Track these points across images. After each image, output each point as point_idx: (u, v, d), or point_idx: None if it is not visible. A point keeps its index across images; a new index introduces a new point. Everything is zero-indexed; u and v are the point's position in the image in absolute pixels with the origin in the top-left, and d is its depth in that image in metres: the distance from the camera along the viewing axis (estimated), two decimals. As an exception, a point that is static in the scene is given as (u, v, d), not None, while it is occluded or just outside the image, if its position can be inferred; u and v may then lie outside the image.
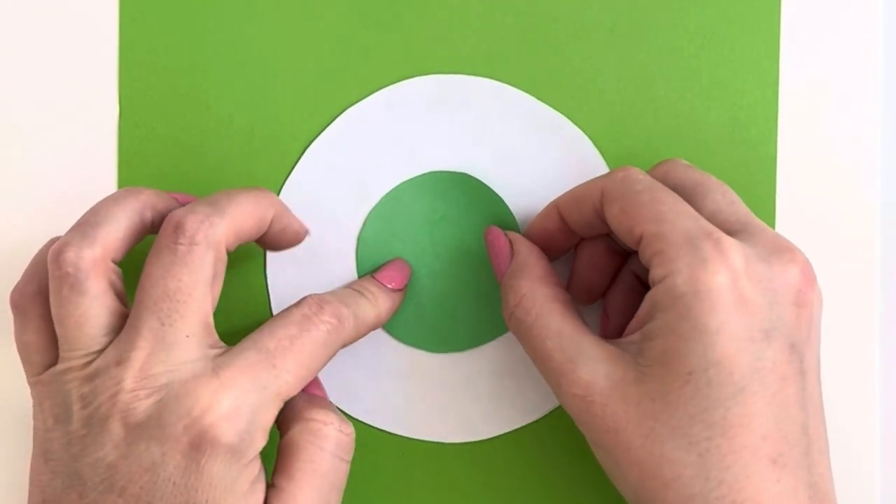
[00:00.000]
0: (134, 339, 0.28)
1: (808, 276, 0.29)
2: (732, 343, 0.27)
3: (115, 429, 0.27)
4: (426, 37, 0.35)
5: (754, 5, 0.35)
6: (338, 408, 0.35)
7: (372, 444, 0.35)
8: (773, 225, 0.35)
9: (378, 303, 0.33)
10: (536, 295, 0.31)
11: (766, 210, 0.35)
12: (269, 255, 0.35)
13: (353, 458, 0.35)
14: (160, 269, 0.28)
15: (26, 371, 0.30)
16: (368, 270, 0.35)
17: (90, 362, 0.28)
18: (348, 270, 0.35)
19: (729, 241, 0.28)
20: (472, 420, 0.35)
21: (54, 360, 0.29)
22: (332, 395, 0.35)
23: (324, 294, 0.31)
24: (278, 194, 0.35)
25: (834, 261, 0.35)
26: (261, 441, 0.28)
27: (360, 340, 0.33)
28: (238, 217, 0.30)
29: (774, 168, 0.35)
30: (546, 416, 0.35)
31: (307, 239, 0.34)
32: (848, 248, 0.36)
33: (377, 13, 0.35)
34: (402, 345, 0.35)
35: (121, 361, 0.28)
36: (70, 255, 0.29)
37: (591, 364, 0.29)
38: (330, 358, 0.30)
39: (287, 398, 0.29)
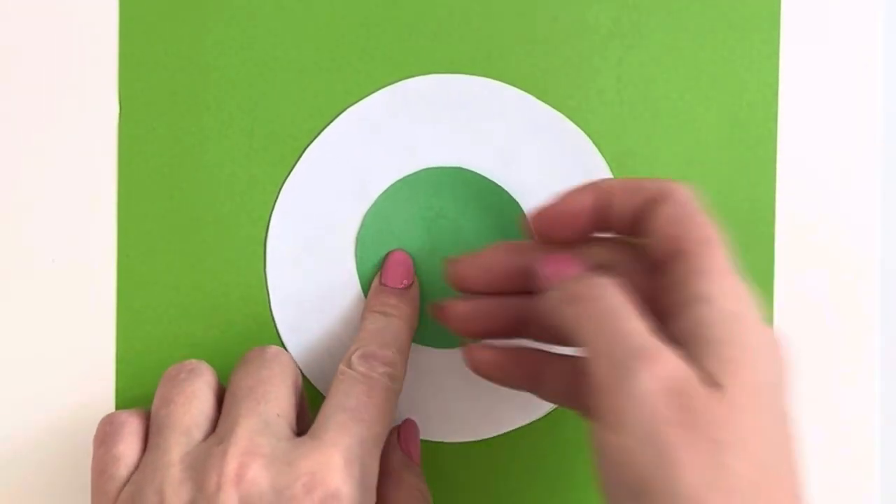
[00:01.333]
0: (235, 417, 0.29)
1: None
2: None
3: (234, 498, 0.27)
4: (426, 37, 0.35)
5: (754, 5, 0.35)
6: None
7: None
8: (772, 225, 0.35)
9: (404, 312, 0.33)
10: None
11: (765, 210, 0.35)
12: (269, 255, 0.35)
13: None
14: (253, 366, 0.31)
15: (105, 490, 0.30)
16: (368, 270, 0.35)
17: (198, 444, 0.29)
18: (348, 270, 0.35)
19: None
20: (472, 420, 0.35)
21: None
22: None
23: (362, 340, 0.32)
24: (278, 194, 0.35)
25: (834, 261, 0.35)
26: (373, 492, 0.29)
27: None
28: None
29: (774, 168, 0.35)
30: (546, 416, 0.35)
31: (307, 239, 0.34)
32: (848, 247, 0.36)
33: (377, 13, 0.35)
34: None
35: (226, 437, 0.29)
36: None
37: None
38: (399, 396, 0.32)
39: (381, 446, 0.30)
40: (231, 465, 0.28)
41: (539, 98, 0.35)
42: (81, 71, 0.35)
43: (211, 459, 0.28)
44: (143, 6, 0.35)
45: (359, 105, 0.35)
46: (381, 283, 0.35)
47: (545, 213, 0.31)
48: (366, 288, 0.35)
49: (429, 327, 0.35)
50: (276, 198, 0.35)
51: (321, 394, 0.35)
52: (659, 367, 0.25)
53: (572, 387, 0.30)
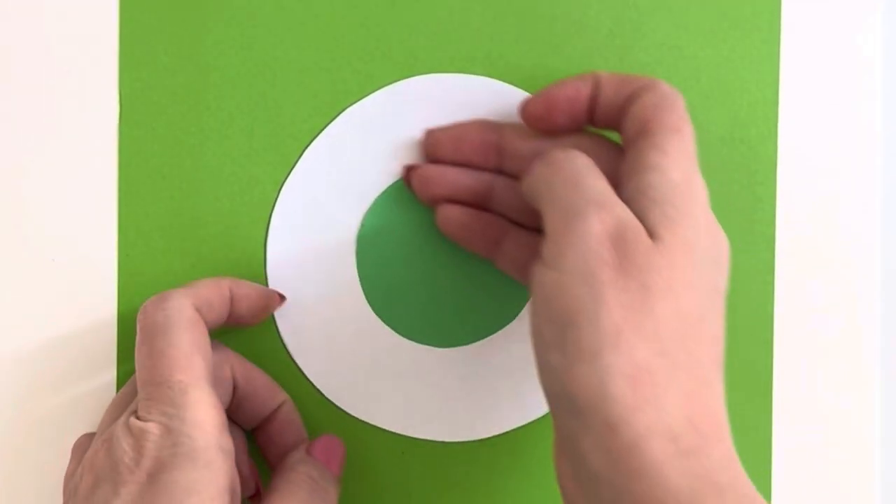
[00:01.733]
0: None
1: None
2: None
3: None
4: (426, 37, 0.35)
5: (754, 5, 0.35)
6: (338, 407, 0.35)
7: (372, 443, 0.35)
8: (773, 224, 0.36)
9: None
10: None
11: (766, 210, 0.35)
12: (269, 255, 0.35)
13: (354, 457, 0.35)
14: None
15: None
16: (368, 270, 0.35)
17: None
18: (348, 270, 0.35)
19: None
20: (472, 420, 0.35)
21: None
22: (332, 394, 0.35)
23: None
24: (278, 194, 0.35)
25: (834, 261, 0.35)
26: None
27: (360, 338, 0.34)
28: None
29: (774, 168, 0.35)
30: (546, 415, 0.35)
31: (307, 239, 0.35)
32: (848, 248, 0.36)
33: (377, 13, 0.35)
34: (402, 339, 0.35)
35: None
36: None
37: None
38: None
39: None
40: (88, 458, 0.30)
41: (539, 98, 0.35)
42: (81, 71, 0.35)
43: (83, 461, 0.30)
44: (143, 6, 0.35)
45: (359, 105, 0.35)
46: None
47: (541, 98, 0.32)
48: (366, 288, 0.35)
49: (429, 327, 0.35)
50: (276, 198, 0.35)
51: (321, 394, 0.35)
52: (606, 213, 0.26)
53: (529, 260, 0.31)
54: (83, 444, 0.33)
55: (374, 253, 0.35)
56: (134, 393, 0.32)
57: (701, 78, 0.35)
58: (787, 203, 0.35)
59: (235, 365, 0.33)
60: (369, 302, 0.35)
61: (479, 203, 0.34)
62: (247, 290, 0.33)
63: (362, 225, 0.35)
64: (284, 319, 0.35)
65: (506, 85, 0.35)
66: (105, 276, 0.35)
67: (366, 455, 0.35)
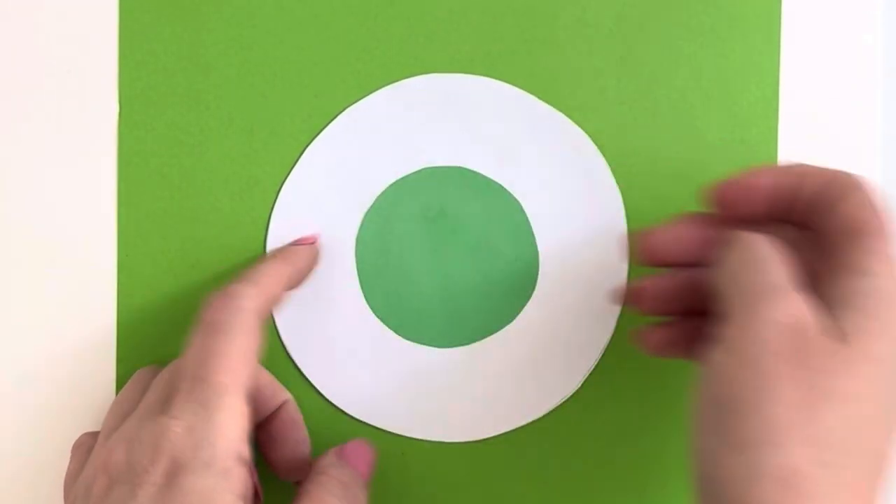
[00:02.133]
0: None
1: None
2: None
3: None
4: (426, 36, 0.35)
5: (754, 5, 0.35)
6: (338, 407, 0.35)
7: (372, 443, 0.35)
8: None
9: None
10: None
11: (766, 210, 0.35)
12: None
13: (353, 458, 0.35)
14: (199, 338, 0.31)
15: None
16: (368, 270, 0.35)
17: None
18: (348, 270, 0.35)
19: None
20: (472, 420, 0.35)
21: None
22: (332, 394, 0.35)
23: None
24: (278, 194, 0.35)
25: (834, 261, 0.35)
26: None
27: (360, 338, 0.34)
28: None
29: (774, 168, 0.35)
30: (546, 415, 0.35)
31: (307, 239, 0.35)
32: (848, 248, 0.35)
33: (377, 13, 0.35)
34: (402, 339, 0.35)
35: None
36: None
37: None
38: None
39: None
40: (103, 457, 0.29)
41: (539, 98, 0.35)
42: (81, 71, 0.35)
43: (95, 456, 0.30)
44: (143, 6, 0.35)
45: (359, 105, 0.35)
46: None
47: (727, 185, 0.31)
48: (365, 288, 0.35)
49: (429, 327, 0.35)
50: (276, 198, 0.35)
51: (320, 392, 0.35)
52: (786, 305, 0.26)
53: (700, 340, 0.30)
54: (84, 444, 0.33)
55: (374, 253, 0.35)
56: (138, 393, 0.32)
57: (701, 78, 0.35)
58: (787, 203, 0.35)
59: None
60: (369, 302, 0.35)
61: (697, 306, 0.32)
62: (301, 264, 0.34)
63: (362, 225, 0.35)
64: (284, 319, 0.35)
65: (506, 85, 0.35)
66: (105, 276, 0.35)
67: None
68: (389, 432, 0.35)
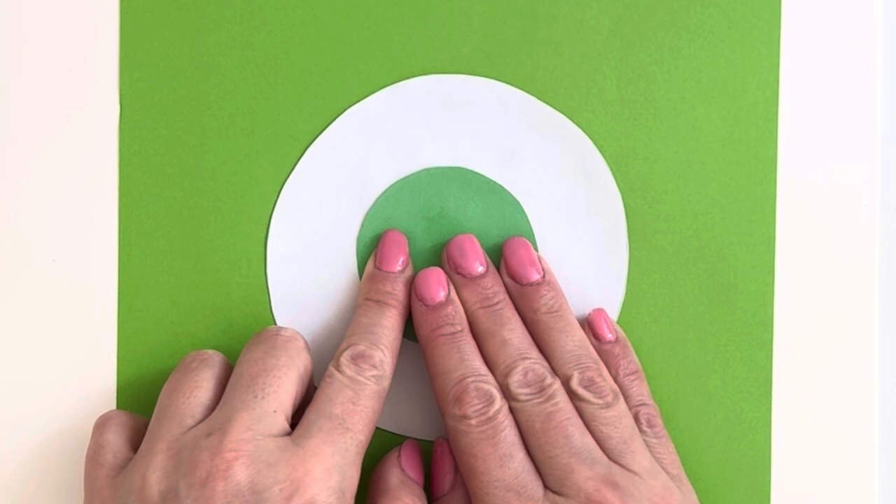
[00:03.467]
0: (230, 409, 0.30)
1: None
2: None
3: (217, 491, 0.28)
4: (426, 37, 0.35)
5: (754, 5, 0.35)
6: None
7: (372, 443, 0.35)
8: (773, 225, 0.35)
9: (399, 298, 0.34)
10: None
11: (765, 210, 0.35)
12: (270, 255, 0.35)
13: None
14: (260, 352, 0.31)
15: (95, 475, 0.31)
16: (368, 270, 0.35)
17: (187, 432, 0.30)
18: (348, 270, 0.35)
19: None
20: (472, 420, 0.35)
21: (127, 460, 0.31)
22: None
23: (352, 337, 0.32)
24: (278, 194, 0.35)
25: (834, 262, 0.35)
26: (350, 499, 0.30)
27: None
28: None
29: (774, 168, 0.35)
30: (546, 415, 0.35)
31: (307, 239, 0.35)
32: (848, 248, 0.36)
33: (377, 13, 0.35)
34: (403, 340, 0.35)
35: (218, 429, 0.29)
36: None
37: None
38: (386, 392, 0.32)
39: (363, 453, 0.31)
40: (220, 459, 0.28)
41: (539, 98, 0.35)
42: (81, 71, 0.35)
43: (200, 451, 0.29)
44: (143, 6, 0.35)
45: (359, 105, 0.35)
46: (375, 267, 0.34)
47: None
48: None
49: (429, 327, 0.35)
50: (276, 198, 0.35)
51: (321, 394, 0.35)
52: None
53: None
54: (124, 422, 0.32)
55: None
56: (212, 381, 0.32)
57: (701, 78, 0.35)
58: (787, 203, 0.35)
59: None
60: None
61: None
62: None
63: (363, 225, 0.35)
64: (284, 319, 0.35)
65: (506, 85, 0.35)
66: (105, 276, 0.35)
67: (366, 455, 0.35)
68: (389, 432, 0.35)
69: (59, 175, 0.35)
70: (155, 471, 0.29)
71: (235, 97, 0.35)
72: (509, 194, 0.35)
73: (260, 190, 0.35)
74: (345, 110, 0.35)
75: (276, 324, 0.35)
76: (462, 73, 0.35)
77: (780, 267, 0.35)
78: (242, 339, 0.35)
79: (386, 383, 0.32)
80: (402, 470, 0.33)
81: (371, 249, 0.35)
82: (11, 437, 0.35)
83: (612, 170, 0.35)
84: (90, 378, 0.35)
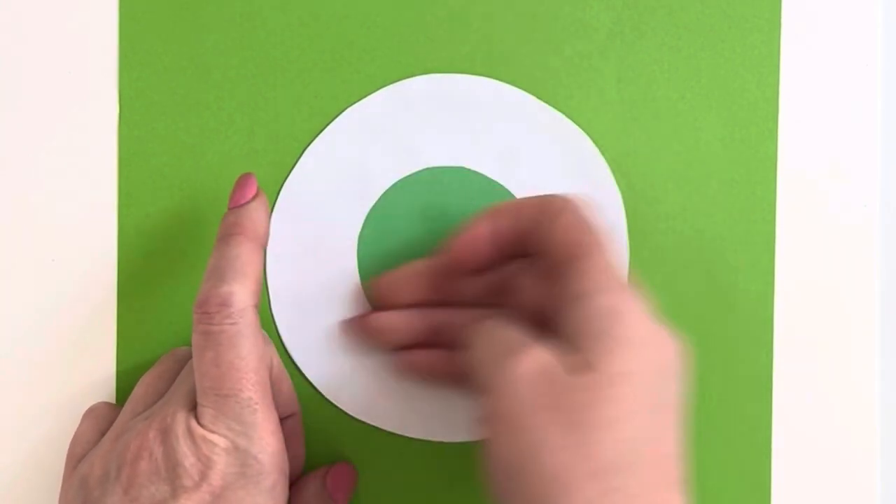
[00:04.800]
0: (170, 394, 0.31)
1: None
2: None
3: (139, 470, 0.29)
4: (426, 37, 0.35)
5: (754, 5, 0.35)
6: (338, 407, 0.35)
7: (372, 443, 0.35)
8: (773, 224, 0.36)
9: (246, 227, 0.31)
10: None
11: (766, 210, 0.35)
12: (269, 255, 0.35)
13: (354, 458, 0.35)
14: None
15: (66, 466, 0.32)
16: (369, 270, 0.35)
17: (134, 418, 0.31)
18: (348, 270, 0.35)
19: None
20: (471, 420, 0.35)
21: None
22: (332, 394, 0.35)
23: (200, 287, 0.30)
24: (278, 194, 0.35)
25: (834, 260, 0.35)
26: (272, 461, 0.29)
27: (360, 338, 0.34)
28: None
29: (774, 168, 0.35)
30: (546, 415, 0.35)
31: (307, 239, 0.35)
32: (848, 247, 0.36)
33: (377, 13, 0.35)
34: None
35: (153, 412, 0.30)
36: None
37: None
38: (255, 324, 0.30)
39: (269, 401, 0.30)
40: (144, 438, 0.29)
41: (539, 98, 0.35)
42: (81, 71, 0.35)
43: (132, 433, 0.29)
44: (143, 6, 0.35)
45: (359, 105, 0.35)
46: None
47: (453, 245, 0.32)
48: (367, 288, 0.35)
49: (429, 327, 0.35)
50: (276, 198, 0.35)
51: (321, 394, 0.35)
52: (524, 358, 0.27)
53: None
54: (100, 411, 0.33)
55: (375, 253, 0.35)
56: (173, 373, 0.32)
57: (701, 78, 0.35)
58: (787, 203, 0.35)
59: (274, 365, 0.32)
60: (370, 302, 0.35)
61: (433, 341, 0.34)
62: (262, 228, 0.32)
63: (364, 225, 0.35)
64: (285, 319, 0.35)
65: (506, 85, 0.35)
66: (105, 276, 0.35)
67: (366, 455, 0.35)
68: (389, 432, 0.35)
69: (59, 175, 0.35)
70: (99, 456, 0.30)
71: (235, 97, 0.35)
72: (509, 194, 0.35)
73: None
74: (344, 110, 0.35)
75: (275, 324, 0.35)
76: (462, 72, 0.35)
77: (780, 267, 0.35)
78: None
79: (250, 315, 0.29)
80: (324, 485, 0.33)
81: (371, 249, 0.35)
82: (11, 436, 0.35)
83: (612, 170, 0.35)
84: (90, 377, 0.35)
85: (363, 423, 0.35)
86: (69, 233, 0.35)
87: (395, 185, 0.35)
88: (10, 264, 0.35)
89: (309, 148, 0.35)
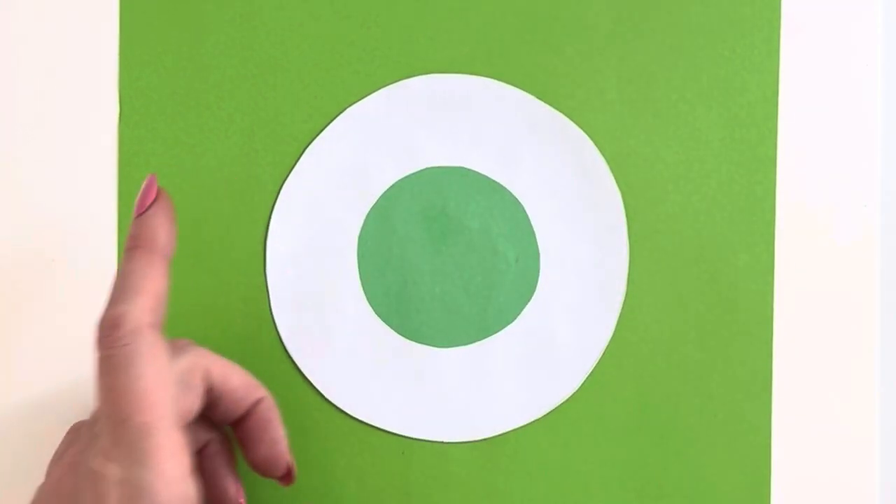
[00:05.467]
0: None
1: None
2: None
3: (62, 464, 0.29)
4: (426, 37, 0.35)
5: (754, 5, 0.35)
6: (338, 407, 0.35)
7: (372, 444, 0.35)
8: (772, 225, 0.36)
9: (144, 238, 0.29)
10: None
11: (765, 210, 0.35)
12: (269, 255, 0.35)
13: (354, 458, 0.35)
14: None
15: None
16: (369, 270, 0.35)
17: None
18: (349, 270, 0.35)
19: None
20: (472, 419, 0.35)
21: None
22: (332, 394, 0.35)
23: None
24: (278, 194, 0.35)
25: (834, 261, 0.35)
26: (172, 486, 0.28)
27: (360, 338, 0.34)
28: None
29: (774, 168, 0.35)
30: (546, 415, 0.35)
31: (307, 239, 0.34)
32: (848, 248, 0.36)
33: (377, 13, 0.35)
34: (403, 339, 0.35)
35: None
36: None
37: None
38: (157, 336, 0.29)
39: (176, 426, 0.28)
40: (60, 470, 0.29)
41: (539, 98, 0.35)
42: (81, 71, 0.35)
43: (58, 465, 0.29)
44: (143, 6, 0.35)
45: (359, 105, 0.35)
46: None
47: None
48: (366, 288, 0.35)
49: (429, 327, 0.35)
50: (276, 198, 0.35)
51: (320, 394, 0.35)
52: None
53: None
54: (78, 429, 0.32)
55: (375, 253, 0.35)
56: None
57: (701, 78, 0.35)
58: (787, 203, 0.35)
59: (211, 367, 0.31)
60: (370, 302, 0.35)
61: None
62: (164, 238, 0.30)
63: (364, 225, 0.35)
64: (284, 319, 0.35)
65: (506, 85, 0.35)
66: (105, 276, 0.35)
67: (366, 455, 0.35)
68: (389, 432, 0.35)
69: (59, 175, 0.35)
70: (55, 460, 0.31)
71: (235, 97, 0.35)
72: (509, 194, 0.35)
73: (259, 190, 0.35)
74: (344, 110, 0.35)
75: (275, 324, 0.35)
76: (462, 73, 0.35)
77: (780, 267, 0.35)
78: (242, 339, 0.35)
79: (145, 334, 0.27)
80: (237, 487, 0.33)
81: (371, 249, 0.35)
82: (10, 437, 0.35)
83: (612, 170, 0.35)
84: (89, 379, 0.35)
85: (363, 422, 0.35)
86: (69, 233, 0.35)
87: (395, 185, 0.35)
88: (11, 265, 0.35)
89: (309, 148, 0.35)
